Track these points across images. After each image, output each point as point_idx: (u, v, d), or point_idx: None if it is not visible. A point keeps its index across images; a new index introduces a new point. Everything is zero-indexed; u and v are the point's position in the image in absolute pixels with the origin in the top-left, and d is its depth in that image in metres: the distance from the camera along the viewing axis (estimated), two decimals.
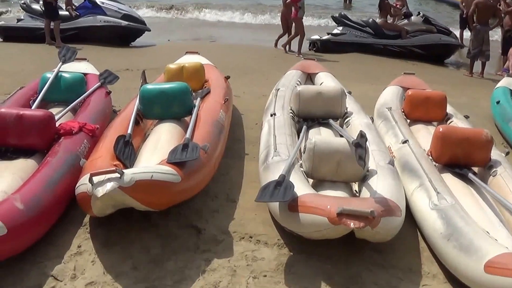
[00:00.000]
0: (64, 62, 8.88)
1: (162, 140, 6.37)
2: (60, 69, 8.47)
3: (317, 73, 9.74)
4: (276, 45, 17.35)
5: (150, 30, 17.95)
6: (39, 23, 17.13)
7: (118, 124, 6.72)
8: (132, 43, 17.61)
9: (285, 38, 17.09)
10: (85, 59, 9.60)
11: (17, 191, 5.12)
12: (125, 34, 17.24)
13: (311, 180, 5.77)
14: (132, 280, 4.78)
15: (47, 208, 5.16)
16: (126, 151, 5.85)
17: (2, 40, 17.95)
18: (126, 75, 11.26)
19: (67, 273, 4.84)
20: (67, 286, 4.68)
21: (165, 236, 5.37)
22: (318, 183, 5.75)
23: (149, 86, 7.27)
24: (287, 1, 16.34)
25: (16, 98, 7.83)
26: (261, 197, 5.21)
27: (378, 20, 17.42)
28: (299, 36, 16.51)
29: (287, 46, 16.85)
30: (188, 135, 6.01)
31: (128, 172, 4.84)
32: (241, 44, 18.90)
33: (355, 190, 5.80)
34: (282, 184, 5.19)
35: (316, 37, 17.32)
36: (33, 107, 7.23)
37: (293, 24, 16.59)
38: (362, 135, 5.29)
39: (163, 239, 5.33)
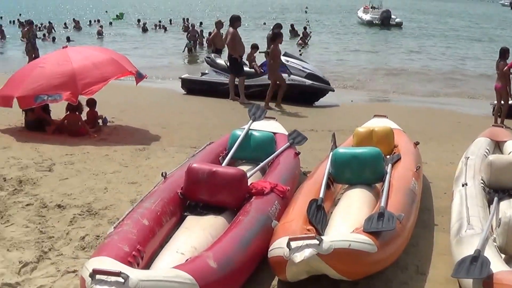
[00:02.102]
0: (254, 120, 9.18)
1: (353, 206, 6.43)
2: (250, 127, 8.74)
3: (506, 141, 9.45)
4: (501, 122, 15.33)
5: (333, 90, 18.24)
6: (223, 78, 17.94)
7: (309, 187, 6.87)
8: (315, 102, 17.88)
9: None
10: (273, 118, 9.87)
11: (210, 248, 5.29)
12: (309, 93, 17.57)
13: (503, 255, 5.61)
14: None
15: (238, 268, 5.28)
16: (318, 215, 5.95)
17: (185, 92, 18.86)
18: (311, 136, 11.45)
19: None
20: None
21: None
22: (510, 259, 5.59)
23: (341, 150, 7.41)
24: (505, 69, 15.47)
25: (205, 153, 8.15)
26: (457, 273, 5.13)
27: None
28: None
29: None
30: (383, 203, 6.01)
31: (326, 240, 4.92)
32: (424, 107, 18.76)
33: None
34: (478, 259, 5.08)
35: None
36: (223, 164, 7.50)
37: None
38: None
39: None
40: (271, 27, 20.71)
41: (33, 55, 23.67)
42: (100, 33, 44.86)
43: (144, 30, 48.83)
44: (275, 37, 16.68)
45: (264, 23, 52.79)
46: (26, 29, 26.90)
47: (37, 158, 9.57)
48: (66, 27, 53.21)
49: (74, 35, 44.82)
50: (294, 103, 16.70)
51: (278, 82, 16.57)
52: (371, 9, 62.50)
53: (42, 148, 10.29)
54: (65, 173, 8.80)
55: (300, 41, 37.75)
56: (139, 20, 57.24)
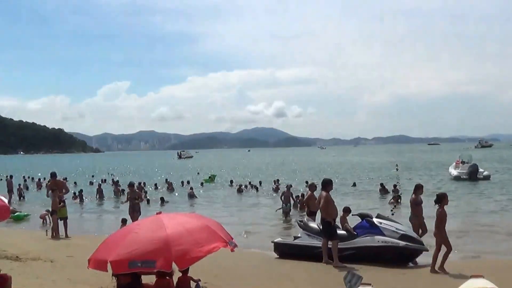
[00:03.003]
0: (350, 287, 9.01)
1: None
2: None
3: None
4: None
5: (427, 250, 17.85)
6: (316, 242, 17.83)
7: None
8: (410, 263, 17.53)
9: None
10: (369, 284, 9.65)
11: None
12: (404, 254, 17.27)
13: None
14: None
15: None
16: None
17: (277, 256, 18.77)
18: None
19: None
20: None
21: None
22: None
23: None
24: None
25: None
26: None
27: None
28: None
29: None
30: None
31: None
32: None
33: None
34: None
35: None
36: None
37: None
38: None
39: None
40: (415, 188, 20.44)
41: (133, 217, 24.20)
42: (191, 196, 45.63)
43: (240, 191, 49.53)
44: (440, 199, 16.68)
45: (354, 184, 52.86)
46: (127, 191, 27.50)
47: None
48: (156, 188, 54.63)
49: (166, 196, 45.88)
50: (389, 265, 16.38)
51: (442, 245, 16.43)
52: (461, 164, 61.95)
53: None
54: None
55: (392, 200, 37.32)
56: (231, 181, 58.17)
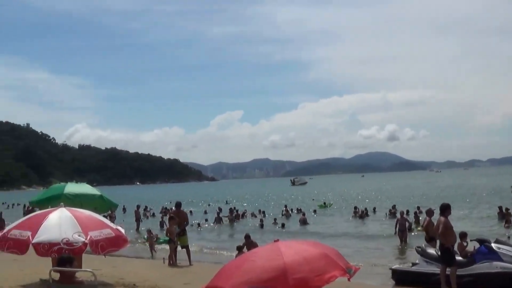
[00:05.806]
0: None
1: None
2: None
3: None
4: None
5: None
6: (435, 268, 17.40)
7: None
8: None
9: None
10: None
11: None
12: None
13: None
14: None
15: None
16: None
17: (394, 283, 18.48)
18: None
19: None
20: None
21: None
22: None
23: None
24: None
25: None
26: None
27: None
28: None
29: None
30: None
31: None
32: None
33: None
34: None
35: None
36: None
37: None
38: None
39: None
40: None
41: None
42: (304, 222, 45.76)
43: (361, 217, 49.43)
44: None
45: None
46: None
47: None
48: (255, 216, 55.11)
49: (282, 221, 46.32)
50: None
51: None
52: None
53: None
54: None
55: (506, 225, 36.21)
56: (355, 208, 56.43)
